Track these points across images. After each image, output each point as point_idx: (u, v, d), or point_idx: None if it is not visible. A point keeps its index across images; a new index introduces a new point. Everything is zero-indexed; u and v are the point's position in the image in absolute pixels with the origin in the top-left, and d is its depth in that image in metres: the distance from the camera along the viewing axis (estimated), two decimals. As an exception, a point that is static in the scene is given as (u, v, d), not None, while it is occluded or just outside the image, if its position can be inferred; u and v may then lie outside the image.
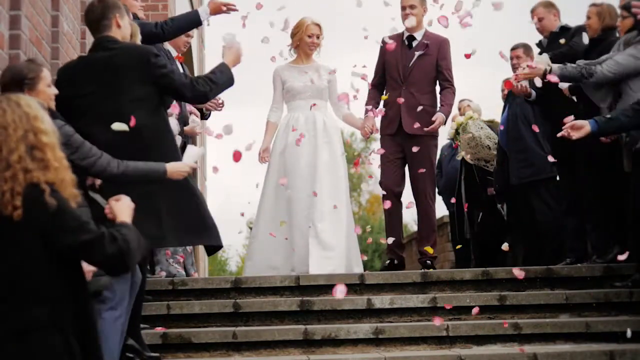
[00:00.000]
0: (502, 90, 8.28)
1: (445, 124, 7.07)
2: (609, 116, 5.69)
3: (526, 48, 7.65)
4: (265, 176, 7.09)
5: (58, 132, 2.96)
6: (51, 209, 2.76)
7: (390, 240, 6.95)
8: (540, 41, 7.22)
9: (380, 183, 7.09)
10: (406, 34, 7.14)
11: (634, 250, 6.08)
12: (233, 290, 6.08)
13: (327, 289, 6.05)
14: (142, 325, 5.15)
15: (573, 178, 6.86)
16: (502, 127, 7.64)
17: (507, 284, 6.06)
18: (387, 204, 6.87)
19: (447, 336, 5.37)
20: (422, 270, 6.30)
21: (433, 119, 6.87)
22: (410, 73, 7.02)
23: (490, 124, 8.35)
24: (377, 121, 7.15)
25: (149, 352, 5.00)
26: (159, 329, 5.51)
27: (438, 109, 7.01)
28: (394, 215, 7.08)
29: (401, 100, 6.90)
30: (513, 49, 7.82)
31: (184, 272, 6.59)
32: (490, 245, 8.12)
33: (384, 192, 7.03)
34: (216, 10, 5.89)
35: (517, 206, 7.69)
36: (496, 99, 8.76)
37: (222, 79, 4.79)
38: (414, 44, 7.09)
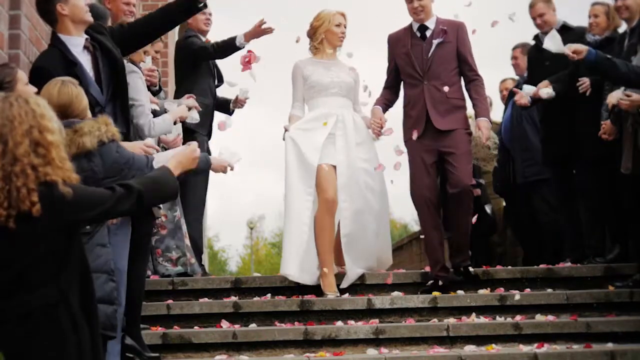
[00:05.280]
0: (501, 92, 8.30)
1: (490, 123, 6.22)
2: (609, 57, 5.65)
3: (524, 47, 7.67)
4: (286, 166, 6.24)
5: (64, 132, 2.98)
6: (68, 200, 2.82)
7: (434, 265, 6.08)
8: (537, 35, 7.15)
9: (412, 194, 6.09)
10: (416, 25, 6.28)
11: (634, 250, 6.09)
12: (233, 290, 6.09)
13: (327, 289, 6.05)
14: (142, 325, 5.15)
15: (572, 178, 6.86)
16: (504, 126, 7.66)
17: (507, 284, 6.07)
18: (422, 215, 6.06)
19: (447, 336, 5.37)
20: (422, 270, 6.28)
21: (477, 131, 6.09)
22: (431, 65, 6.15)
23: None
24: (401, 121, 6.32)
25: (149, 352, 5.00)
26: (159, 329, 5.51)
27: (473, 106, 6.20)
28: (433, 232, 6.07)
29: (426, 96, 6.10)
30: (513, 48, 7.83)
31: (174, 270, 6.49)
32: (480, 245, 8.16)
33: (419, 206, 6.07)
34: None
35: (518, 206, 7.71)
36: (495, 99, 8.71)
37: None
38: (428, 33, 6.24)
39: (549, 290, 5.99)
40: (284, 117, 6.88)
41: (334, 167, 6.19)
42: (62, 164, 2.86)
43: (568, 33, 6.96)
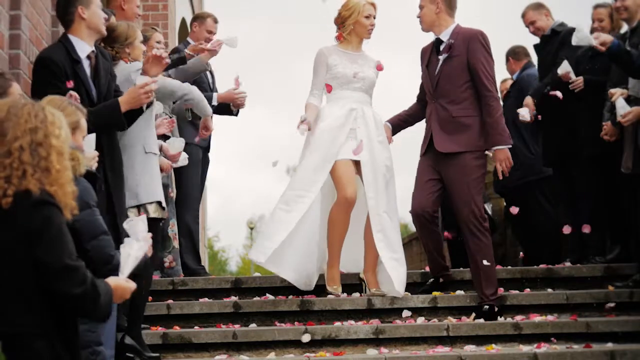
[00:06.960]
0: (501, 92, 8.31)
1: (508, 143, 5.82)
2: (628, 49, 5.73)
3: (515, 53, 7.81)
4: (302, 158, 6.02)
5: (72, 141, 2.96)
6: (38, 223, 2.72)
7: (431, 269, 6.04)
8: (538, 44, 7.21)
9: (411, 208, 5.94)
10: (434, 38, 5.94)
11: (634, 250, 6.09)
12: (233, 290, 6.09)
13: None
14: (142, 325, 5.15)
15: (570, 178, 6.86)
16: None
17: (507, 284, 6.07)
18: (418, 229, 5.96)
19: (447, 336, 5.37)
20: (422, 270, 6.27)
21: (490, 156, 5.71)
22: (438, 83, 5.81)
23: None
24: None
25: (149, 352, 5.00)
26: (159, 329, 5.51)
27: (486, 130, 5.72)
28: (430, 241, 5.90)
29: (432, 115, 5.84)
30: (507, 55, 7.93)
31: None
32: None
33: (414, 219, 5.94)
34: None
35: (517, 206, 7.70)
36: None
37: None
38: (442, 47, 5.85)
39: (549, 290, 5.99)
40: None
41: (355, 162, 5.96)
42: (60, 167, 2.82)
43: (557, 36, 6.97)
